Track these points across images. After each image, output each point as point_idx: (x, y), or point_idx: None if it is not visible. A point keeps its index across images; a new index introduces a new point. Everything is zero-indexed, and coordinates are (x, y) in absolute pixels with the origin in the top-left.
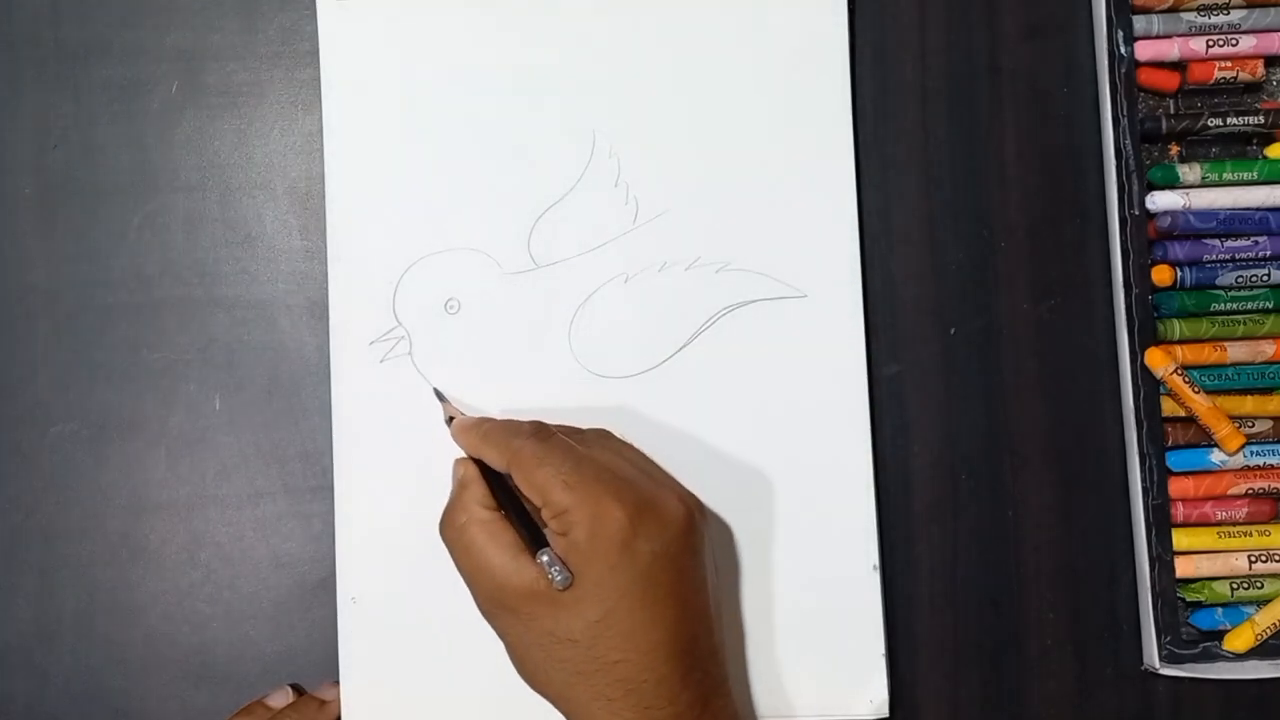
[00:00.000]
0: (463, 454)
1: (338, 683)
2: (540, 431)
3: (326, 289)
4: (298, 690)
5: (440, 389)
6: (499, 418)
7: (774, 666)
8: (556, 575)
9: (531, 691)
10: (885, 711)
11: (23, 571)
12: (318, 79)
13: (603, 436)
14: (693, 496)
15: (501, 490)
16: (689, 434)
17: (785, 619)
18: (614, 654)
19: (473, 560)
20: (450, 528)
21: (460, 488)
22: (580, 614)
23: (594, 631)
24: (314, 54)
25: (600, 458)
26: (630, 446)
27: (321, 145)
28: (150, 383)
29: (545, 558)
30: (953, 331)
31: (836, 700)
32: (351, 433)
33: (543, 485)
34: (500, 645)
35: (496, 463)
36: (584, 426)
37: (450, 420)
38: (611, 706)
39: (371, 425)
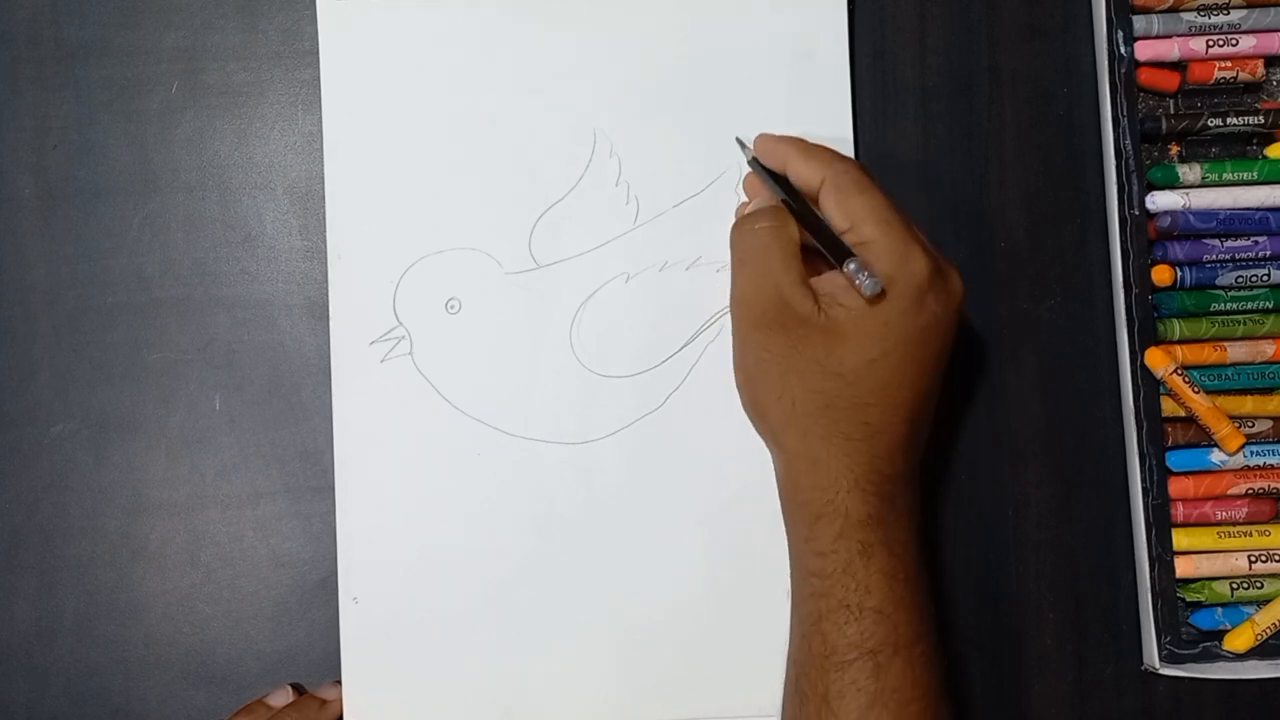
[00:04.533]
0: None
1: (339, 682)
2: (863, 166)
3: (326, 289)
4: (298, 690)
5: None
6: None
7: (772, 661)
8: (866, 282)
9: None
10: None
11: (23, 571)
12: (318, 79)
13: None
14: None
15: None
16: (690, 433)
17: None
18: (870, 397)
19: (761, 266)
20: (749, 229)
21: (774, 204)
22: (857, 349)
23: (863, 371)
24: (314, 54)
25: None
26: None
27: (321, 145)
28: (150, 383)
29: (853, 265)
30: None
31: None
32: (352, 433)
33: (856, 212)
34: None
35: (809, 177)
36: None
37: (746, 148)
38: (848, 446)
39: (372, 425)
